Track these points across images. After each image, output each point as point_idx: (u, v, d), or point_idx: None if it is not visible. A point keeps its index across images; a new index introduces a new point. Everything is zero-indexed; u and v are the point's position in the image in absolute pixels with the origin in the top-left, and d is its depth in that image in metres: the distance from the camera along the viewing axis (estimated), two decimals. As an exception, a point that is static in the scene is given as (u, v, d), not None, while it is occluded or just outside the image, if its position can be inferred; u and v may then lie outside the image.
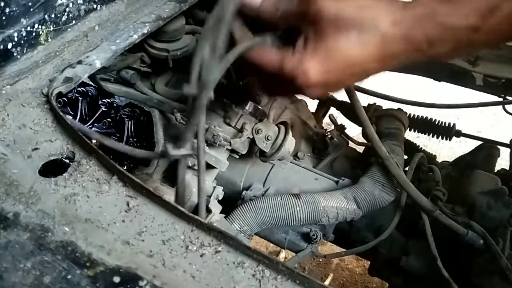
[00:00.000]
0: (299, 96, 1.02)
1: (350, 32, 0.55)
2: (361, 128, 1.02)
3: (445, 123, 1.38)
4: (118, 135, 1.12)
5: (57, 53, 0.70)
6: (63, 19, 0.72)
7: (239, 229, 0.89)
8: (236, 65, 0.65)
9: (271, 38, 0.63)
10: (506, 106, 1.41)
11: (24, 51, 0.67)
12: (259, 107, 0.93)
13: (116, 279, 0.45)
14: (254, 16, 0.63)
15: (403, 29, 0.55)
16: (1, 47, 0.63)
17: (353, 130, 1.30)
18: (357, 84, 0.63)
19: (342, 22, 0.56)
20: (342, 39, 0.56)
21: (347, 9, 0.56)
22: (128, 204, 0.53)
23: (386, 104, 1.32)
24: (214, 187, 0.94)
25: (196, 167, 0.90)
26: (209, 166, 0.90)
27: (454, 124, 1.38)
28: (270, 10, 0.62)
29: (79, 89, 1.16)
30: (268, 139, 0.91)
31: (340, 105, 1.38)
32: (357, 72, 0.60)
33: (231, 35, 0.61)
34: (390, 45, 0.56)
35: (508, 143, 1.35)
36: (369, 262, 1.24)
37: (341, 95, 1.13)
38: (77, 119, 1.16)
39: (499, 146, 1.32)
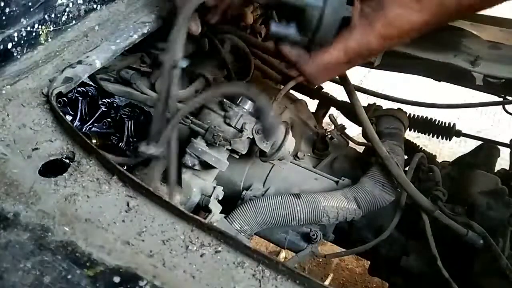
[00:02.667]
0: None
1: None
2: (361, 128, 1.02)
3: (445, 123, 1.38)
4: (118, 135, 1.12)
5: (57, 53, 0.70)
6: (63, 19, 0.72)
7: (239, 229, 0.89)
8: None
9: None
10: (506, 106, 1.41)
11: (24, 51, 0.67)
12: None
13: (116, 279, 0.45)
14: None
15: None
16: (1, 47, 0.63)
17: (353, 130, 1.30)
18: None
19: None
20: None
21: None
22: (128, 204, 0.53)
23: (386, 104, 1.32)
24: (214, 187, 0.94)
25: (196, 167, 0.90)
26: (209, 166, 0.90)
27: (454, 124, 1.38)
28: None
29: (79, 89, 1.15)
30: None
31: (340, 105, 1.38)
32: (411, 35, 0.65)
33: None
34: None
35: (508, 143, 1.35)
36: (369, 262, 1.24)
37: (341, 95, 1.14)
38: (77, 119, 1.16)
39: (499, 146, 1.32)
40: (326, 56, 0.67)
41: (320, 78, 0.70)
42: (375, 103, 1.29)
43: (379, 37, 0.64)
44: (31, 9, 0.65)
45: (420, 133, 1.41)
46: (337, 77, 0.92)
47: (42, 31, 0.69)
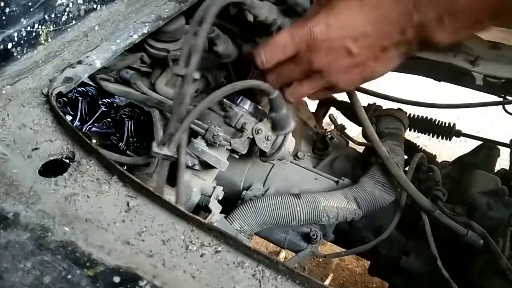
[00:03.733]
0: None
1: None
2: (361, 128, 1.02)
3: (445, 123, 1.38)
4: (118, 135, 1.12)
5: (57, 53, 0.70)
6: (63, 19, 0.72)
7: (239, 229, 0.89)
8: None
9: None
10: (506, 106, 1.41)
11: (24, 51, 0.67)
12: (259, 107, 0.93)
13: (116, 279, 0.45)
14: None
15: None
16: (1, 47, 0.63)
17: (353, 130, 1.30)
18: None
19: None
20: (344, 2, 0.64)
21: None
22: (128, 204, 0.53)
23: (386, 104, 1.32)
24: (214, 187, 0.94)
25: (196, 167, 0.90)
26: (209, 166, 0.90)
27: (454, 124, 1.38)
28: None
29: (79, 89, 1.15)
30: (268, 139, 0.91)
31: (340, 105, 1.38)
32: (357, 36, 0.64)
33: None
34: (382, 5, 0.61)
35: (508, 143, 1.35)
36: (369, 262, 1.24)
37: (341, 95, 1.14)
38: (77, 119, 1.16)
39: (499, 146, 1.32)
40: (275, 36, 0.70)
41: (267, 56, 0.71)
42: (375, 103, 1.29)
43: (322, 24, 0.65)
44: (31, 9, 0.65)
45: (420, 133, 1.41)
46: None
47: (42, 31, 0.69)
